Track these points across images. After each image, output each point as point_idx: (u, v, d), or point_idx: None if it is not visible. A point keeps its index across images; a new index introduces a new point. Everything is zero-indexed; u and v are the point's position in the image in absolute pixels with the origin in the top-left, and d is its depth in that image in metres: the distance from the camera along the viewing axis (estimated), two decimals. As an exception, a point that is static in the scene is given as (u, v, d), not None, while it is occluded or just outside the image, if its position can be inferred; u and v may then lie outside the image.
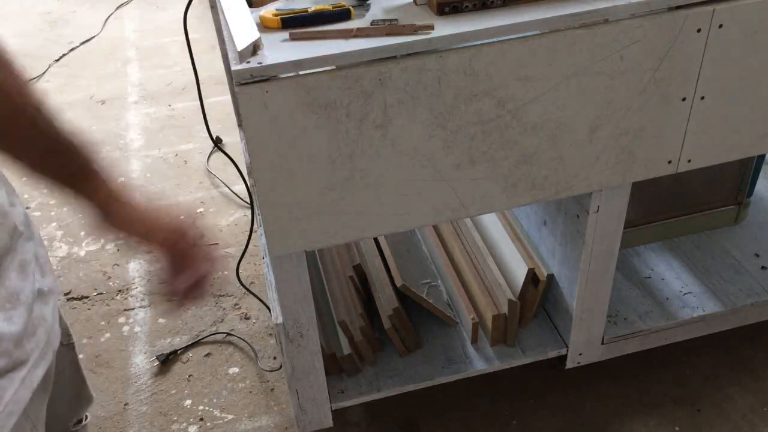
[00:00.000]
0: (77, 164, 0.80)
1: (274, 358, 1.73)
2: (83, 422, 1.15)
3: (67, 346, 1.02)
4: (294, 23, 1.00)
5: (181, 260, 0.87)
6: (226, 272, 2.00)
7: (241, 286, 1.84)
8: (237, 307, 1.88)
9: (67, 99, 2.99)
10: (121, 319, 1.87)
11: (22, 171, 0.78)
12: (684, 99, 1.11)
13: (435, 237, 1.59)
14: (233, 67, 0.91)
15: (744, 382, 1.58)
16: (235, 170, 1.60)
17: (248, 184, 1.59)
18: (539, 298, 1.43)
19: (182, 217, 0.87)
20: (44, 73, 3.21)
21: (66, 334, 1.01)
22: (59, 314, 0.98)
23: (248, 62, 0.91)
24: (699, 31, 1.05)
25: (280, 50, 0.94)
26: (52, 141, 0.77)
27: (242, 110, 0.94)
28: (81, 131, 0.80)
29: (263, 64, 0.91)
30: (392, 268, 1.45)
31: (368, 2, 1.05)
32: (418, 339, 1.44)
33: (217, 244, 2.12)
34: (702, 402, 1.55)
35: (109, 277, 2.02)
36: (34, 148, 0.77)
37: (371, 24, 0.98)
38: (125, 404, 1.64)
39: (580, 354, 1.45)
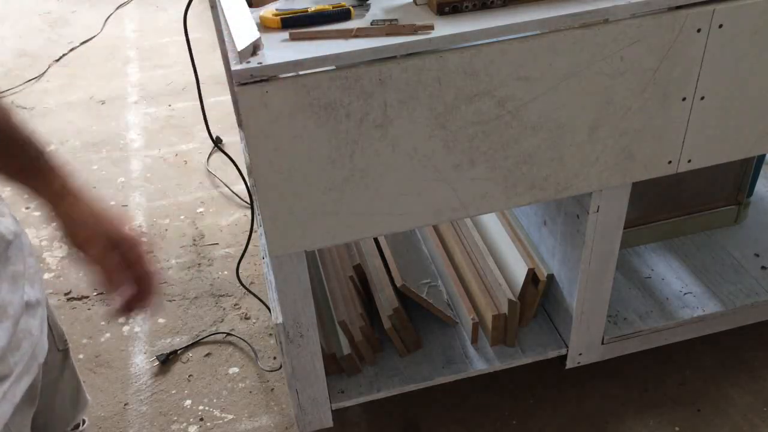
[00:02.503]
0: (28, 158, 0.79)
1: (274, 358, 1.73)
2: (80, 427, 1.15)
3: (63, 351, 1.01)
4: (294, 23, 1.00)
5: (115, 273, 0.84)
6: (226, 272, 2.00)
7: (241, 286, 1.85)
8: (237, 307, 1.88)
9: (67, 99, 2.99)
10: (121, 319, 1.87)
11: None
12: (684, 99, 1.11)
13: (435, 237, 1.59)
14: (233, 67, 0.91)
15: (744, 382, 1.58)
16: (235, 170, 1.60)
17: (248, 184, 1.59)
18: (539, 298, 1.43)
19: (128, 228, 0.85)
20: (44, 73, 3.21)
21: (62, 339, 1.01)
22: (55, 320, 0.97)
23: (248, 62, 0.91)
24: (699, 31, 1.05)
25: (280, 50, 0.94)
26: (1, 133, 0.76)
27: (242, 110, 0.94)
28: (27, 123, 0.80)
29: (263, 64, 0.91)
30: (392, 268, 1.45)
31: (368, 2, 1.05)
32: (418, 339, 1.44)
33: (217, 244, 2.12)
34: (702, 402, 1.55)
35: (109, 277, 2.01)
36: None
37: (371, 24, 0.98)
38: (125, 404, 1.64)
39: (580, 354, 1.45)
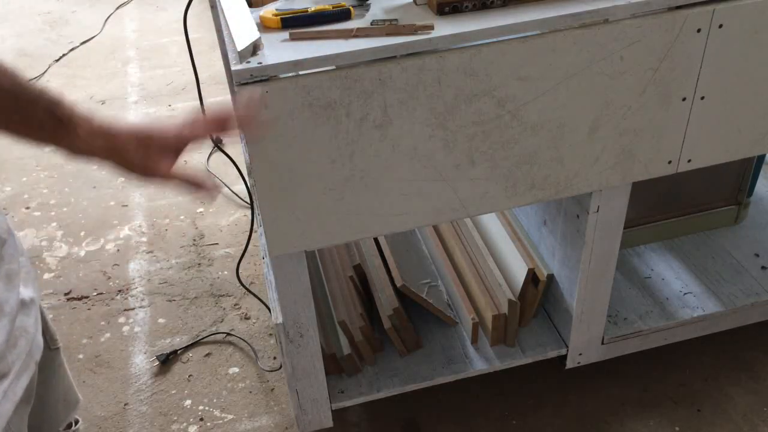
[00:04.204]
0: (45, 114, 0.76)
1: (274, 358, 1.73)
2: (73, 427, 1.15)
3: (54, 350, 1.01)
4: (294, 23, 1.00)
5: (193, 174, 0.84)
6: (226, 272, 2.00)
7: (241, 286, 1.85)
8: (237, 307, 1.88)
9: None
10: (121, 319, 1.87)
11: None
12: (684, 99, 1.11)
13: (435, 237, 1.59)
14: (233, 67, 0.91)
15: (744, 382, 1.58)
16: (235, 170, 1.60)
17: (248, 184, 1.59)
18: (539, 298, 1.43)
19: (164, 127, 0.83)
20: (44, 73, 3.21)
21: (53, 339, 1.01)
22: (46, 319, 0.97)
23: (248, 62, 0.91)
24: (699, 31, 1.05)
25: (280, 50, 0.94)
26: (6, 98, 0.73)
27: (242, 110, 0.94)
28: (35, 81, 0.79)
29: (263, 64, 0.91)
30: (392, 268, 1.45)
31: (368, 2, 1.05)
32: (418, 339, 1.44)
33: (217, 244, 2.12)
34: (702, 402, 1.55)
35: (109, 277, 2.02)
36: None
37: (371, 24, 0.98)
38: (125, 404, 1.64)
39: (580, 354, 1.45)
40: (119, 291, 1.97)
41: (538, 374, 1.60)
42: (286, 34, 0.98)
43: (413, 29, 0.96)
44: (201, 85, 1.45)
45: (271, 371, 1.69)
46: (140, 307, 1.91)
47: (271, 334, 1.79)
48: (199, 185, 0.86)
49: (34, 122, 0.76)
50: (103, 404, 1.65)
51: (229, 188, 2.33)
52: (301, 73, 0.94)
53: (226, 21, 1.01)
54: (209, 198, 0.87)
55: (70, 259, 2.10)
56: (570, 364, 1.46)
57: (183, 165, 0.84)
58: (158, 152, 0.81)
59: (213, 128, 0.84)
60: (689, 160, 1.19)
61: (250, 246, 1.73)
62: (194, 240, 2.14)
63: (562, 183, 1.15)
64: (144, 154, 0.80)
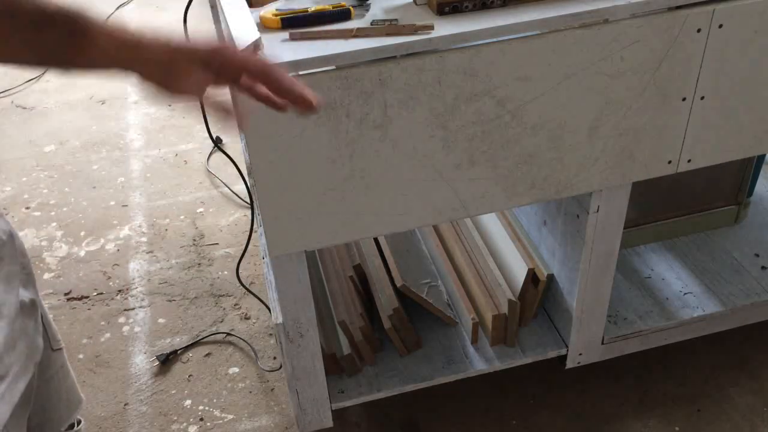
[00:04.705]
0: (63, 26, 0.64)
1: (274, 358, 1.73)
2: (75, 427, 1.15)
3: (57, 351, 1.01)
4: (294, 23, 1.00)
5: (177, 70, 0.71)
6: (226, 272, 2.00)
7: (241, 286, 1.84)
8: (237, 307, 1.88)
9: (67, 99, 2.99)
10: (121, 319, 1.87)
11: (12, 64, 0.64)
12: (684, 99, 1.11)
13: (435, 237, 1.59)
14: (233, 67, 0.91)
15: (744, 382, 1.58)
16: (235, 170, 1.60)
17: (248, 184, 1.59)
18: (539, 298, 1.43)
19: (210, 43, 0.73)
20: (44, 73, 3.21)
21: (55, 339, 1.00)
22: (48, 321, 0.97)
23: (248, 62, 0.91)
24: (699, 31, 1.05)
25: (280, 50, 0.94)
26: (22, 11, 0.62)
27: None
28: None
29: (263, 64, 0.91)
30: (392, 268, 1.45)
31: (368, 2, 1.05)
32: (418, 339, 1.44)
33: (217, 244, 2.12)
34: (702, 402, 1.55)
35: (109, 277, 2.02)
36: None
37: (371, 24, 0.98)
38: (125, 404, 1.64)
39: (580, 354, 1.45)
40: (119, 291, 1.97)
41: (538, 374, 1.60)
42: (286, 35, 0.98)
43: (413, 29, 0.96)
44: (201, 85, 1.45)
45: (271, 371, 1.69)
46: (140, 307, 1.91)
47: (271, 334, 1.79)
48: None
49: (50, 40, 0.64)
50: (103, 404, 1.65)
51: (229, 188, 2.33)
52: (301, 73, 0.94)
53: (226, 21, 1.01)
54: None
55: (70, 259, 2.10)
56: (570, 364, 1.46)
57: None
58: (186, 64, 0.70)
59: (244, 65, 0.73)
60: (689, 160, 1.19)
61: (250, 246, 1.73)
62: (194, 240, 2.14)
63: (562, 183, 1.15)
64: (170, 66, 0.70)
